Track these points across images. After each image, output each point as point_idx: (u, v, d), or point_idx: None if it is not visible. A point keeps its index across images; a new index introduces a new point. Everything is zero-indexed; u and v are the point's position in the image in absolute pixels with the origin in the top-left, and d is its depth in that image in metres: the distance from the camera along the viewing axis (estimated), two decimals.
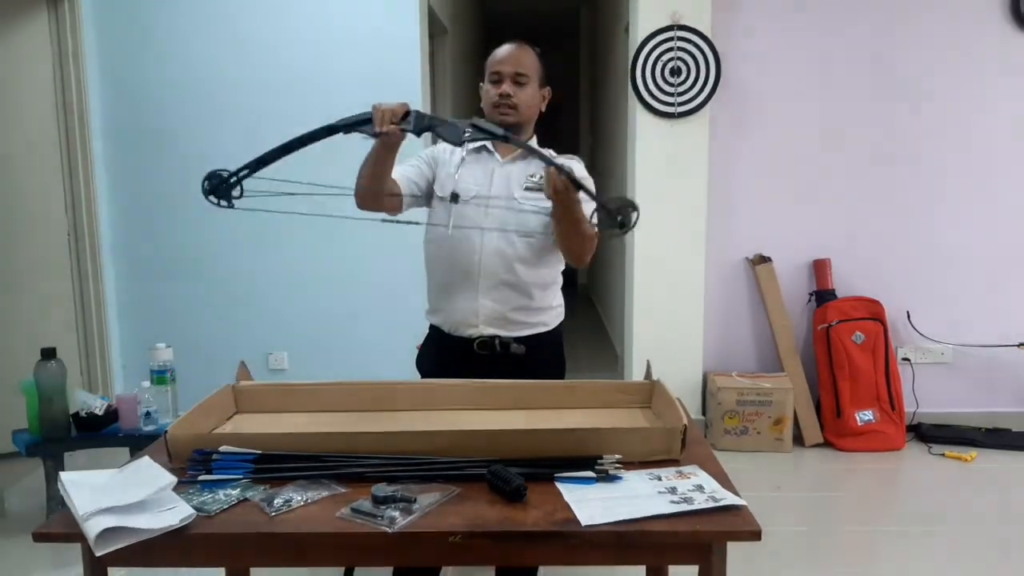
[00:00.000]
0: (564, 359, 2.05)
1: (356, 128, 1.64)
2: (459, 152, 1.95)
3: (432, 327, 2.02)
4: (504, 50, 1.90)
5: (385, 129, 1.62)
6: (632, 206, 1.58)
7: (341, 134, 1.64)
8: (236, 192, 1.62)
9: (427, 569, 1.91)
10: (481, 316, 1.89)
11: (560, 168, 1.63)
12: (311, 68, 3.60)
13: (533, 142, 1.94)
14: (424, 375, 2.02)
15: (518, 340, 1.91)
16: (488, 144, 1.93)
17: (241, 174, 1.62)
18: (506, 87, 1.86)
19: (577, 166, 1.93)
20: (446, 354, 1.95)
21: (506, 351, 1.89)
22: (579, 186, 1.64)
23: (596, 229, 1.80)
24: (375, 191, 1.82)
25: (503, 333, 1.89)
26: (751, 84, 3.58)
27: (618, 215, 1.57)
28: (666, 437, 1.41)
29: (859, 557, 2.57)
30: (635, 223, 1.58)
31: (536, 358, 1.93)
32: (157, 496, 1.22)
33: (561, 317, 2.02)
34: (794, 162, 3.63)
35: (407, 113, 1.64)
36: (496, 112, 1.87)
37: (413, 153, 1.99)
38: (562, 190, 1.64)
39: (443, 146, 1.97)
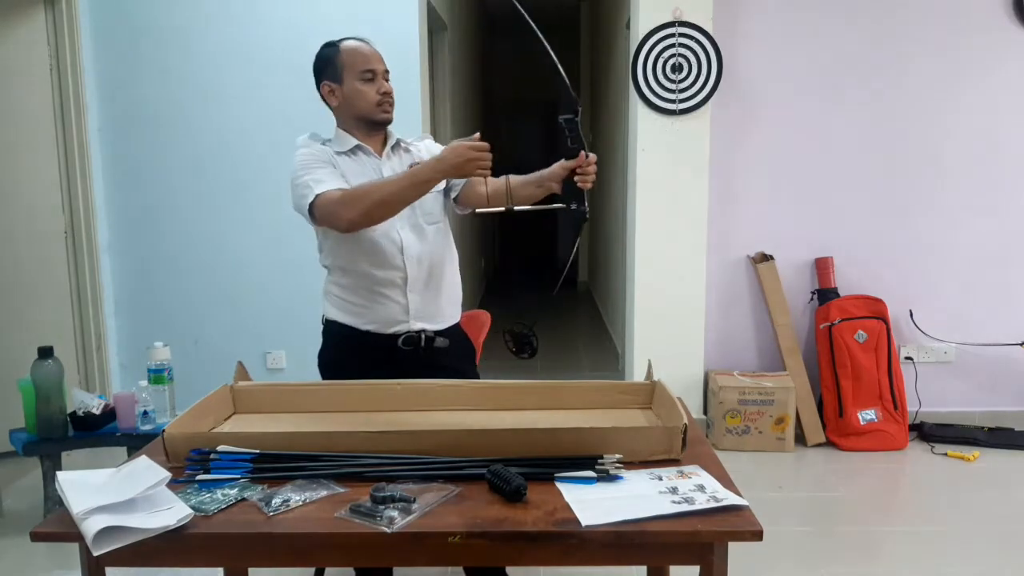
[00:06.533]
0: (474, 349, 2.13)
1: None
2: (337, 155, 1.90)
3: (338, 328, 1.93)
4: (368, 48, 1.92)
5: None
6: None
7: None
8: None
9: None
10: (411, 311, 1.90)
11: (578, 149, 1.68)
12: (310, 65, 3.58)
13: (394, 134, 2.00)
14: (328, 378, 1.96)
15: (440, 333, 1.95)
16: (362, 144, 1.91)
17: None
18: (387, 85, 1.90)
19: (430, 143, 2.04)
20: (360, 355, 1.90)
21: (429, 345, 1.92)
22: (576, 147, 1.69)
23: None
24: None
25: (429, 327, 1.92)
26: (753, 81, 3.56)
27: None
28: (667, 436, 1.40)
29: (861, 557, 2.56)
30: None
31: (453, 351, 1.97)
32: (152, 492, 1.21)
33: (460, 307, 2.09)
34: (796, 159, 3.61)
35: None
36: (379, 110, 1.89)
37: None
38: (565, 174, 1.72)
39: (322, 147, 1.90)
